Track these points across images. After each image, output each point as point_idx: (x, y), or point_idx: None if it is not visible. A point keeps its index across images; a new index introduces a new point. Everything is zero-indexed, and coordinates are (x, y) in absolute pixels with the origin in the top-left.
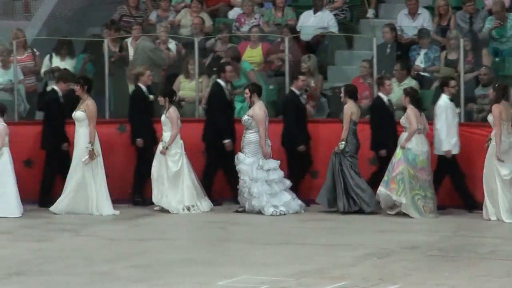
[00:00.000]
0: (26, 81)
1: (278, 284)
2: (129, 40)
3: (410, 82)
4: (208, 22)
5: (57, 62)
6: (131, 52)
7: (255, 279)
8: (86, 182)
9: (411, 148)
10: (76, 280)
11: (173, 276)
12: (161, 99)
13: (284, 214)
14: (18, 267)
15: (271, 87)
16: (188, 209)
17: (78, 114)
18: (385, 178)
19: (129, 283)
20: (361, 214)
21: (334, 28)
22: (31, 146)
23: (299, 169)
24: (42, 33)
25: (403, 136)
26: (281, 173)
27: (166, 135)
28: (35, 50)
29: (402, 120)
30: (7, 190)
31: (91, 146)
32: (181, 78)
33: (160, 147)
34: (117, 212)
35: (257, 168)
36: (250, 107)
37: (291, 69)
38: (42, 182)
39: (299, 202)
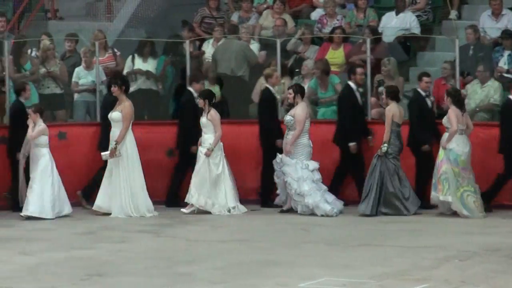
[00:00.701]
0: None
1: (359, 286)
2: (210, 41)
3: (493, 84)
4: (291, 23)
5: (139, 63)
6: (210, 53)
7: (336, 281)
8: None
9: (453, 149)
10: (157, 281)
11: (254, 277)
12: (201, 102)
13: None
14: (99, 268)
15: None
16: (229, 210)
17: (114, 114)
18: (433, 181)
19: (209, 284)
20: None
21: (416, 30)
22: None
23: (425, 169)
24: (124, 34)
25: (445, 136)
26: (320, 176)
27: (207, 137)
28: (115, 50)
29: (444, 121)
30: (45, 191)
31: (115, 145)
32: (262, 79)
33: (202, 149)
34: (155, 213)
35: (302, 168)
36: (289, 107)
37: (372, 70)
38: (172, 182)
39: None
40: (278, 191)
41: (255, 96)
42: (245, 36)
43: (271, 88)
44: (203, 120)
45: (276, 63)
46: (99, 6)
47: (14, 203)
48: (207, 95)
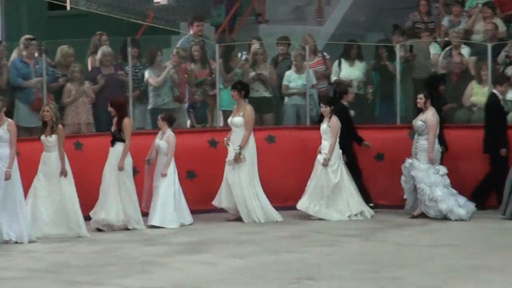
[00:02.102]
0: (319, 86)
1: None
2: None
3: None
4: (502, 27)
5: (345, 67)
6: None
7: None
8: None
9: None
10: (365, 286)
11: (465, 282)
12: (325, 110)
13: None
14: (307, 271)
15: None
16: (356, 215)
17: (236, 119)
18: None
19: None
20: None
21: None
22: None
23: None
24: (333, 38)
25: None
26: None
27: (327, 144)
28: (325, 54)
29: None
30: (169, 200)
31: (240, 150)
32: (473, 83)
33: (320, 157)
34: (280, 218)
35: (434, 173)
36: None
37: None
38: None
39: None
40: (405, 196)
41: (466, 100)
42: (455, 41)
43: (498, 94)
44: (324, 126)
45: (486, 68)
46: (309, 10)
47: None
48: (330, 102)
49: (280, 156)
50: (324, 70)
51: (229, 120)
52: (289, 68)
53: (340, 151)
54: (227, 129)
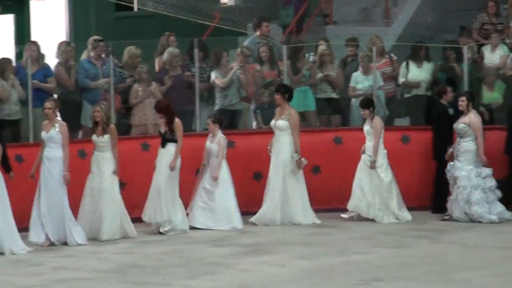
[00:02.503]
0: (386, 87)
1: None
2: (488, 48)
3: None
4: None
5: (414, 68)
6: (491, 58)
7: None
8: (288, 192)
9: None
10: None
11: None
12: (365, 112)
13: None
14: (374, 273)
15: None
16: (397, 218)
17: (280, 123)
18: None
19: None
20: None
21: None
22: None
23: None
24: (401, 39)
25: None
26: (494, 182)
27: (370, 144)
28: (392, 55)
29: None
30: (229, 203)
31: (298, 155)
32: None
33: (365, 158)
34: (317, 221)
35: (476, 175)
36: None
37: None
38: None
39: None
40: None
41: None
42: None
43: None
44: (367, 128)
45: None
46: (376, 11)
47: None
48: (370, 103)
49: (347, 157)
50: (391, 72)
51: (272, 123)
52: (356, 69)
53: (385, 150)
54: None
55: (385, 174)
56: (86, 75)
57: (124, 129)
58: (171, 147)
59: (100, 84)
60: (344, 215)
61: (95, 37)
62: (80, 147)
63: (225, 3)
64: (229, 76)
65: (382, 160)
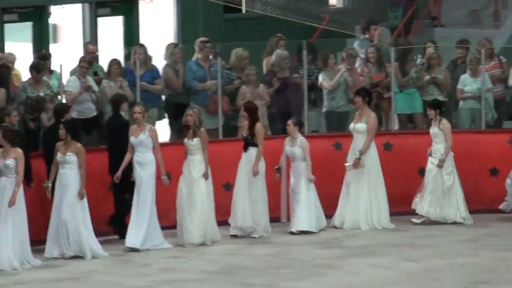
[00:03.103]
0: (494, 90)
1: None
2: None
3: None
4: None
5: None
6: None
7: None
8: (359, 195)
9: None
10: None
11: None
12: (430, 113)
13: None
14: (482, 275)
15: None
16: (464, 220)
17: (359, 126)
18: None
19: None
20: None
21: None
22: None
23: None
24: (510, 41)
25: None
26: None
27: (439, 147)
28: (501, 57)
29: None
30: (311, 205)
31: (360, 155)
32: None
33: (433, 160)
34: (392, 225)
35: None
36: None
37: None
38: None
39: None
40: (506, 198)
41: None
42: None
43: None
44: (435, 130)
45: None
46: (485, 14)
47: None
48: (437, 105)
49: (455, 159)
50: (500, 74)
51: (351, 126)
52: (465, 72)
53: (452, 153)
54: (402, 132)
55: (448, 177)
56: (193, 76)
57: (232, 131)
58: (252, 152)
59: (207, 86)
60: (414, 220)
61: (202, 38)
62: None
63: (334, 5)
64: (336, 78)
65: (448, 162)
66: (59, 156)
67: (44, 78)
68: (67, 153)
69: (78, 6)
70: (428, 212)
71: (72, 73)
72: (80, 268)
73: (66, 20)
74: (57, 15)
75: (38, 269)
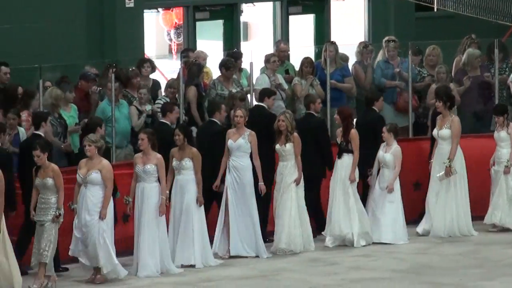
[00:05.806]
0: None
1: None
2: None
3: None
4: None
5: None
6: None
7: None
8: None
9: None
10: None
11: None
12: (499, 120)
13: None
14: None
15: None
16: None
17: (443, 132)
18: None
19: None
20: None
21: None
22: None
23: None
24: None
25: None
26: None
27: (506, 151)
28: None
29: None
30: (398, 216)
31: (449, 162)
32: None
33: (497, 167)
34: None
35: None
36: None
37: None
38: None
39: None
40: None
41: None
42: None
43: None
44: (502, 134)
45: None
46: None
47: None
48: (502, 111)
49: None
50: None
51: (435, 132)
52: None
53: None
54: None
55: None
56: (382, 74)
57: (422, 129)
58: (346, 158)
59: (396, 84)
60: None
61: (388, 37)
62: None
63: None
64: None
65: None
66: (174, 162)
67: (234, 76)
68: (184, 159)
69: (269, 4)
70: (502, 220)
71: (262, 71)
72: (267, 266)
73: (257, 18)
74: (248, 13)
75: (224, 266)
